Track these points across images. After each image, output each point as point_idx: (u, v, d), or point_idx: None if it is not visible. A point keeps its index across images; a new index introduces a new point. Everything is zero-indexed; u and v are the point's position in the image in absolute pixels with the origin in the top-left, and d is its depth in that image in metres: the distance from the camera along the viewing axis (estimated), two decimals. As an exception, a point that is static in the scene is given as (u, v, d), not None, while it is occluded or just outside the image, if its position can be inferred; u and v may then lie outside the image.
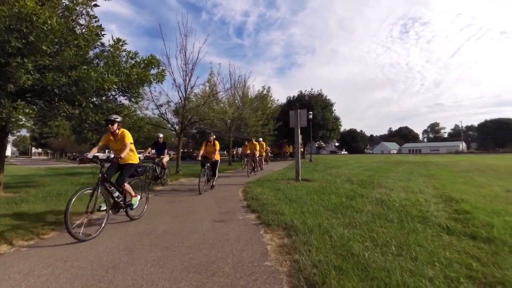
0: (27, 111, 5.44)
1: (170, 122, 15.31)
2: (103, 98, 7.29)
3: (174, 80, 14.05)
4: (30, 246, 3.35)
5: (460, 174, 11.13)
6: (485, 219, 3.87)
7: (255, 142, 13.29)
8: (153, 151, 9.44)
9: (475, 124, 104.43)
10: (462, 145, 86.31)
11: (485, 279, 2.24)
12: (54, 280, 2.45)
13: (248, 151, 13.24)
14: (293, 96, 35.55)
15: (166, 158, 9.15)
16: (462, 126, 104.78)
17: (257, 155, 13.00)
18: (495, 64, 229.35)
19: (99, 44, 6.80)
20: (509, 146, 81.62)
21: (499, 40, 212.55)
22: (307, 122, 10.18)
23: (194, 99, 15.24)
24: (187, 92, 14.05)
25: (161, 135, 9.57)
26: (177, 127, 15.21)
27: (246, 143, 14.79)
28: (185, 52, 13.77)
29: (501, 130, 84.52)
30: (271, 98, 27.63)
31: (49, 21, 5.12)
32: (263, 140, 16.38)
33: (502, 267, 2.43)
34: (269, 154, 26.53)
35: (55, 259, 2.91)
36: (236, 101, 21.17)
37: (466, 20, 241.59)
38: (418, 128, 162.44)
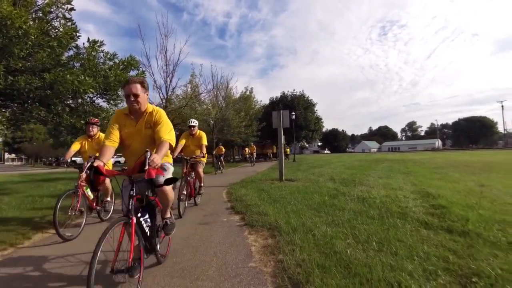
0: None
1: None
2: (80, 100, 7.04)
3: (155, 81, 13.84)
4: (4, 257, 3.18)
5: (436, 170, 11.56)
6: (460, 213, 4.02)
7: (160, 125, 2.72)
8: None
9: (450, 122, 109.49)
10: (438, 143, 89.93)
11: (461, 271, 2.32)
12: None
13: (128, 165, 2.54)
14: (276, 97, 35.93)
15: None
16: (437, 125, 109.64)
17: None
18: (468, 65, 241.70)
19: (74, 46, 6.55)
20: (481, 143, 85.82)
21: (471, 42, 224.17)
22: (289, 122, 10.25)
23: (175, 101, 15.06)
24: (169, 94, 13.86)
25: None
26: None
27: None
28: (165, 53, 13.63)
29: (474, 127, 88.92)
30: (254, 99, 27.80)
31: (24, 26, 4.91)
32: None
33: (477, 259, 2.52)
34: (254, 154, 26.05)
35: (34, 269, 2.77)
36: (219, 102, 21.04)
37: (440, 23, 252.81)
38: (397, 127, 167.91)
